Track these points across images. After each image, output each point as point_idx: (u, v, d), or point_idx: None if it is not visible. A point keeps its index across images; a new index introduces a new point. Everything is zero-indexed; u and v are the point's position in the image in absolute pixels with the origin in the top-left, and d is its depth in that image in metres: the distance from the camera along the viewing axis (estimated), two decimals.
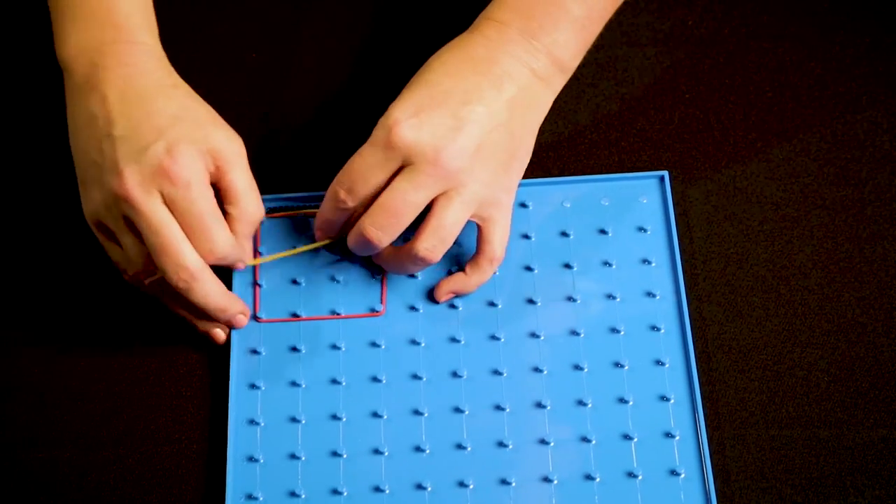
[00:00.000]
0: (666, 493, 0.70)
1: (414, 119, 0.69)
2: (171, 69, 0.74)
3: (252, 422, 0.72)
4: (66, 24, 0.73)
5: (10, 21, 0.86)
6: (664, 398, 0.72)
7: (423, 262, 0.71)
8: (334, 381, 0.73)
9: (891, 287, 0.76)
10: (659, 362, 0.73)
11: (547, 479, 0.70)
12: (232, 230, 0.71)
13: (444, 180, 0.69)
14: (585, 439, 0.71)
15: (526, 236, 0.77)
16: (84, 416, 0.74)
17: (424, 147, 0.68)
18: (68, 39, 0.72)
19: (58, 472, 0.73)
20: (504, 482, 0.70)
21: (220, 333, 0.74)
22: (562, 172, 0.79)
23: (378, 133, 0.69)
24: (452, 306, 0.75)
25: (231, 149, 0.71)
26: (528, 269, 0.76)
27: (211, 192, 0.69)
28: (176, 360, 0.75)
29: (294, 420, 0.72)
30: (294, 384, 0.73)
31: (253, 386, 0.73)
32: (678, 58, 0.83)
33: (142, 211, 0.68)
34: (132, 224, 0.69)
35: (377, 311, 0.75)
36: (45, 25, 0.75)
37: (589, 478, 0.70)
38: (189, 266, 0.68)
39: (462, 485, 0.70)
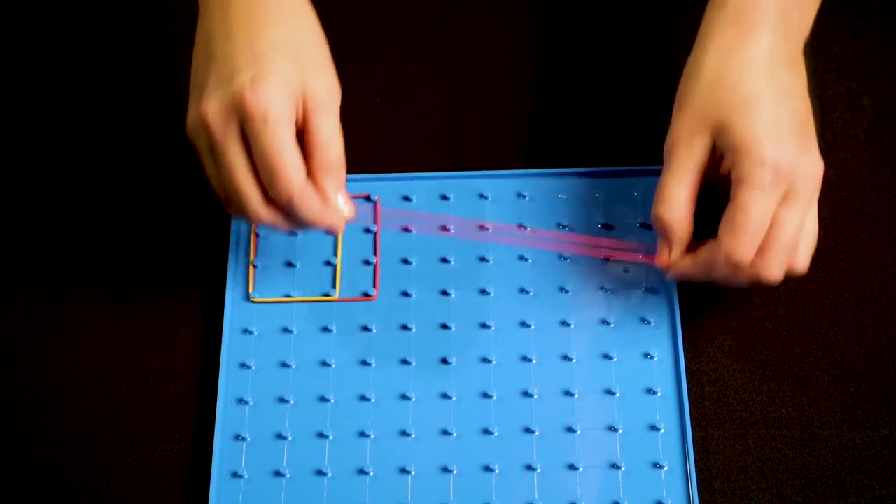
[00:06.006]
0: (648, 484, 0.70)
1: (780, 143, 0.65)
2: None
3: (241, 401, 0.73)
4: None
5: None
6: (651, 391, 0.72)
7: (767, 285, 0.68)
8: (324, 364, 0.73)
9: (891, 287, 0.76)
10: (648, 355, 0.73)
11: (530, 468, 0.71)
12: (314, 183, 0.66)
13: (816, 191, 0.68)
14: (570, 429, 0.71)
15: (521, 226, 0.77)
16: (84, 416, 0.74)
17: (805, 166, 0.66)
18: None
19: (58, 472, 0.73)
20: (488, 469, 0.71)
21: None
22: (559, 165, 0.79)
23: (759, 173, 0.65)
24: (445, 293, 0.75)
25: (324, 93, 0.67)
26: (522, 258, 0.76)
27: (291, 131, 0.65)
28: (175, 361, 0.75)
29: (283, 400, 0.73)
30: (284, 365, 0.74)
31: (243, 365, 0.74)
32: (678, 56, 0.83)
33: (216, 141, 0.65)
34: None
35: (370, 296, 0.75)
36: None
37: (572, 468, 0.70)
38: (253, 211, 0.66)
39: (446, 470, 0.71)
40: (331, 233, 0.69)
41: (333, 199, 0.67)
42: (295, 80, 0.66)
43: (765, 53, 0.67)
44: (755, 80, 0.67)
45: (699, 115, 0.67)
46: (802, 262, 0.68)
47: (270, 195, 0.66)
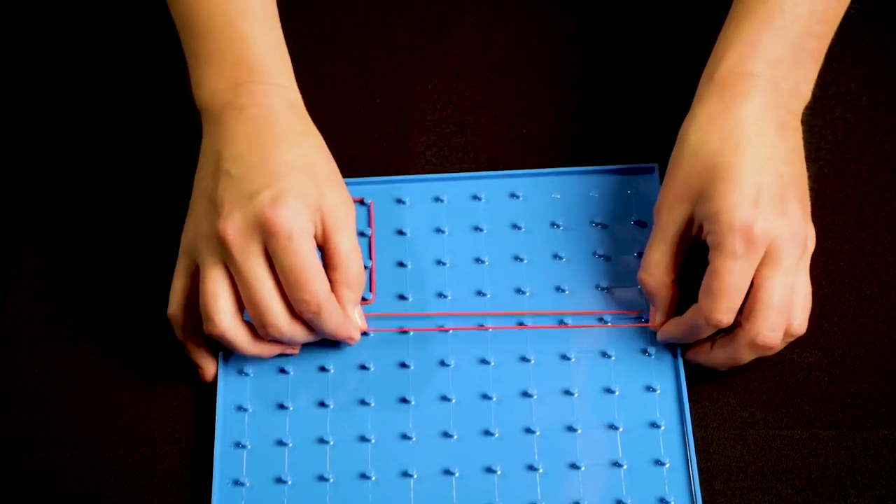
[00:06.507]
0: (651, 481, 0.70)
1: (754, 208, 0.66)
2: (305, 114, 0.72)
3: (240, 408, 0.73)
4: (201, 68, 0.72)
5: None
6: (650, 389, 0.72)
7: (766, 349, 0.69)
8: (322, 369, 0.73)
9: (891, 287, 0.76)
10: (645, 352, 0.73)
11: (532, 468, 0.71)
12: (335, 296, 0.70)
13: (803, 254, 0.68)
14: (571, 429, 0.71)
15: (516, 226, 0.77)
16: (84, 416, 0.74)
17: (781, 229, 0.66)
18: (203, 83, 0.71)
19: (58, 472, 0.73)
20: (489, 470, 0.71)
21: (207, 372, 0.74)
22: (553, 164, 0.79)
23: (729, 240, 0.66)
24: (442, 295, 0.75)
25: (341, 210, 0.69)
26: (518, 258, 0.76)
27: (313, 246, 0.68)
28: (176, 361, 0.75)
29: (282, 407, 0.73)
30: (283, 371, 0.73)
31: (241, 372, 0.74)
32: (675, 55, 0.83)
33: (237, 259, 0.67)
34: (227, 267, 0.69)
35: (366, 300, 0.75)
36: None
37: (574, 467, 0.70)
38: (276, 326, 0.68)
39: (448, 472, 0.70)
40: (348, 343, 0.72)
41: (351, 311, 0.71)
42: (312, 197, 0.68)
43: (747, 122, 0.69)
44: (733, 148, 0.68)
45: (682, 185, 0.69)
46: (797, 325, 0.69)
47: (297, 308, 0.68)
